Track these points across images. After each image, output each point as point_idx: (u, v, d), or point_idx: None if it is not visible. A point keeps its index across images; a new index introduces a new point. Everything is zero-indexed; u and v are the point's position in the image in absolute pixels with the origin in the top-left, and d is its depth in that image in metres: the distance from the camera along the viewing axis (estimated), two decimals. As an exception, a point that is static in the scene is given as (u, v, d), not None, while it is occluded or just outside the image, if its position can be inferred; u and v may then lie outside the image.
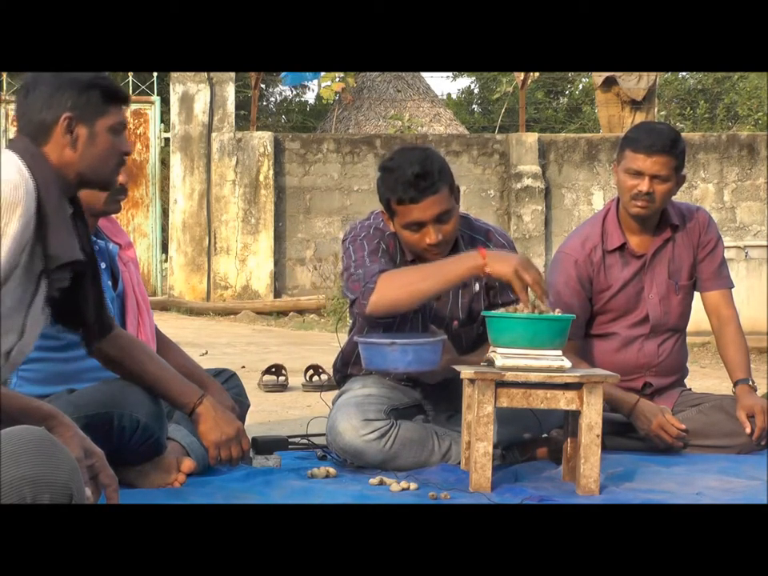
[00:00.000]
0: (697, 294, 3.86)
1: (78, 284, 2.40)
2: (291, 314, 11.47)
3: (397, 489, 3.02)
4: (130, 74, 11.84)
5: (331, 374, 3.97)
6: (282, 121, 26.22)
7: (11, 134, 11.88)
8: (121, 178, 2.92)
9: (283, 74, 14.92)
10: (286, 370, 5.81)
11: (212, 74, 11.99)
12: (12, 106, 12.05)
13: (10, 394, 2.05)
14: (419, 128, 16.96)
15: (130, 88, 12.00)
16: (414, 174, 3.13)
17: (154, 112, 12.29)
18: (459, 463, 3.31)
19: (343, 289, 3.24)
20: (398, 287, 3.09)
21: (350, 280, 3.19)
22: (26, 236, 2.22)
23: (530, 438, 3.46)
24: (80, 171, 2.39)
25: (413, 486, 3.05)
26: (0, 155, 2.35)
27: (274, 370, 5.81)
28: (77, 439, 1.96)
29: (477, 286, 3.40)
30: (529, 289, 3.24)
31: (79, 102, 2.38)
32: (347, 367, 3.55)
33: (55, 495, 1.72)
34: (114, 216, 3.31)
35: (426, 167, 3.15)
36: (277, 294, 12.08)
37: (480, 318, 3.43)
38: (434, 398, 3.51)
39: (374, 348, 3.10)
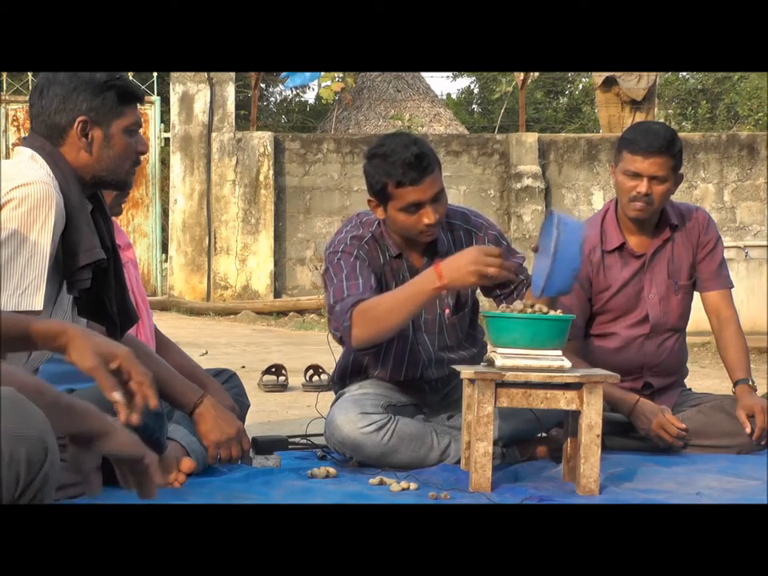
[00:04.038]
0: (697, 294, 3.86)
1: (101, 279, 2.39)
2: (291, 313, 11.47)
3: (397, 489, 3.02)
4: (130, 73, 11.83)
5: (331, 373, 3.95)
6: (282, 121, 26.23)
7: (11, 134, 11.89)
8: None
9: (284, 74, 14.91)
10: (286, 370, 5.81)
11: (212, 73, 11.99)
12: (12, 106, 12.04)
13: (13, 319, 1.86)
14: (419, 128, 16.96)
15: (130, 88, 12.00)
16: (414, 155, 3.15)
17: (154, 112, 12.29)
18: (458, 462, 3.31)
19: (330, 328, 3.25)
20: (371, 323, 3.09)
21: (332, 317, 3.21)
22: (58, 231, 2.22)
23: (530, 437, 3.47)
24: (96, 173, 2.38)
25: (413, 485, 3.04)
26: (20, 153, 2.35)
27: (274, 369, 5.81)
28: (89, 348, 1.77)
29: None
30: (526, 291, 3.25)
31: (94, 105, 2.37)
32: (345, 380, 3.56)
33: (31, 448, 1.70)
34: (113, 217, 3.31)
35: (422, 148, 3.19)
36: (277, 294, 12.08)
37: (471, 304, 3.46)
38: (432, 401, 3.52)
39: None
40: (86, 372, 1.73)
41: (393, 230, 3.31)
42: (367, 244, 3.33)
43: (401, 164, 3.15)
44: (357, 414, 3.29)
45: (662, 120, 20.70)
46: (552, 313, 2.98)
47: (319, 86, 16.44)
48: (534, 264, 3.11)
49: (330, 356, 3.61)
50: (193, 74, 11.94)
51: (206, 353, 7.42)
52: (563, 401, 2.98)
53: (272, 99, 27.37)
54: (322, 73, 15.03)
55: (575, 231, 2.99)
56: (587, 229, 3.82)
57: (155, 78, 12.35)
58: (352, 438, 3.28)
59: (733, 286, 3.86)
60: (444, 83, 54.40)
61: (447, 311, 3.42)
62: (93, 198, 2.42)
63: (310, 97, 27.91)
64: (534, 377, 2.95)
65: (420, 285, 3.04)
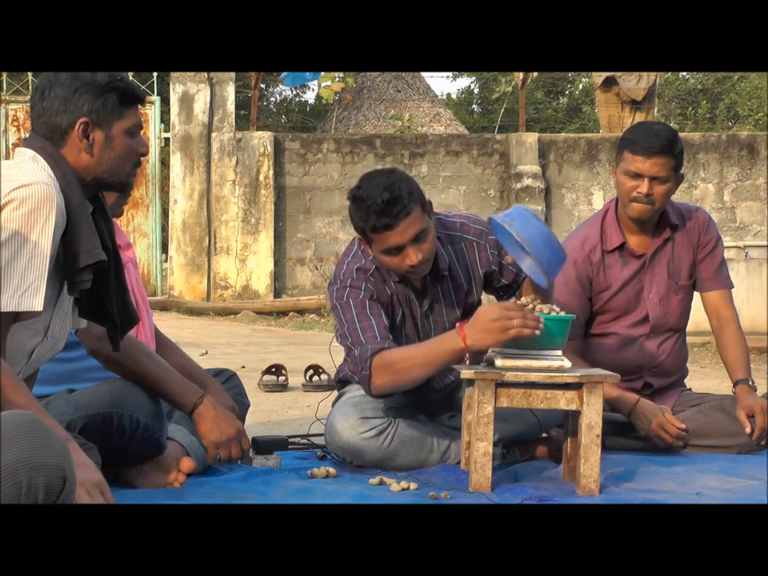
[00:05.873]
0: (697, 294, 3.86)
1: (102, 280, 2.39)
2: (291, 313, 11.47)
3: (397, 489, 3.02)
4: (130, 73, 11.83)
5: (331, 374, 3.95)
6: (282, 121, 26.23)
7: (12, 134, 11.88)
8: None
9: (284, 74, 14.92)
10: (286, 370, 5.81)
11: (212, 73, 11.99)
12: (12, 106, 12.04)
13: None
14: (419, 128, 16.96)
15: (130, 88, 12.00)
16: (384, 202, 3.08)
17: (154, 112, 12.29)
18: (459, 462, 3.31)
19: (346, 366, 3.26)
20: (392, 376, 3.09)
21: (348, 359, 3.20)
22: (59, 232, 2.22)
23: (530, 438, 3.46)
24: (97, 175, 2.38)
25: (413, 486, 3.04)
26: (21, 154, 2.35)
27: (274, 369, 5.80)
28: None
29: (466, 285, 3.41)
30: (525, 288, 3.26)
31: (95, 106, 2.37)
32: (344, 385, 3.55)
33: (50, 477, 1.71)
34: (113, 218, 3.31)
35: (395, 192, 3.09)
36: (277, 294, 12.08)
37: (477, 307, 3.46)
38: (434, 401, 3.51)
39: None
40: None
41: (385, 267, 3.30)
42: (372, 276, 3.29)
43: (373, 211, 3.10)
44: (357, 419, 3.28)
45: (661, 120, 20.71)
46: (553, 312, 2.98)
47: (319, 86, 16.44)
48: (523, 269, 3.15)
49: (329, 356, 3.61)
50: (193, 73, 11.94)
51: (206, 353, 7.42)
52: (563, 401, 2.98)
53: (272, 99, 27.38)
54: (322, 73, 15.03)
55: (520, 214, 3.04)
56: (587, 228, 3.83)
57: (155, 78, 12.34)
58: (352, 445, 3.27)
59: (733, 286, 3.86)
60: (444, 83, 54.44)
61: (458, 325, 3.41)
62: (93, 199, 2.42)
63: (310, 97, 27.93)
64: (534, 377, 2.95)
65: (443, 345, 3.03)
